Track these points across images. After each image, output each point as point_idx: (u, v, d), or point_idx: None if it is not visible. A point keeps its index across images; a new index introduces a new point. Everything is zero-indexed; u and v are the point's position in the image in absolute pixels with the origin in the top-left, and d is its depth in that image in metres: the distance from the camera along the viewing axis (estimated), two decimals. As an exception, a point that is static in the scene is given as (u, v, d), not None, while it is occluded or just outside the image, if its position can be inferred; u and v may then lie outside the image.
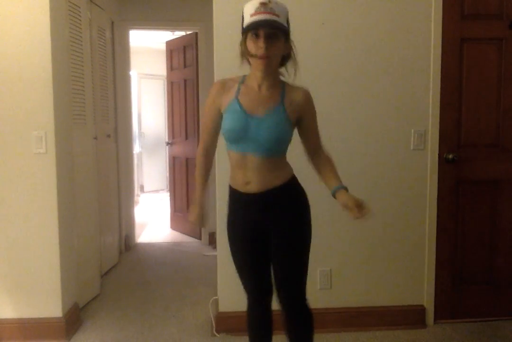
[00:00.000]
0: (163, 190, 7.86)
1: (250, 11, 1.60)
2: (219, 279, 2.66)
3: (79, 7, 3.01)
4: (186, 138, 4.98)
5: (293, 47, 1.70)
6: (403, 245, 2.72)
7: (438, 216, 2.71)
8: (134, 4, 4.41)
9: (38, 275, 2.57)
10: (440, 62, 2.63)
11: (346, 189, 1.68)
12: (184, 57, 4.94)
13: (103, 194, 3.63)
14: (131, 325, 2.80)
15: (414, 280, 2.74)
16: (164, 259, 4.25)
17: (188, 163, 4.99)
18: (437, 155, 2.68)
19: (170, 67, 5.25)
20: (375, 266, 2.72)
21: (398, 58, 2.62)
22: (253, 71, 1.69)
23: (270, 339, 1.93)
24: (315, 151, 1.80)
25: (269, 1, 1.58)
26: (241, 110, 1.67)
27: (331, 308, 2.71)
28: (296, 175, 1.83)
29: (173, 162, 5.32)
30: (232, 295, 2.55)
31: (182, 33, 5.25)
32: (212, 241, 4.50)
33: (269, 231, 1.76)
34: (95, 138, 3.36)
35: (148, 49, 7.11)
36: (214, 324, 2.67)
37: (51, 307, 2.59)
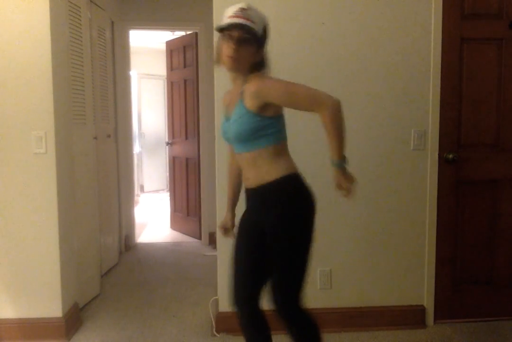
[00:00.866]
0: (163, 190, 7.86)
1: (228, 14, 1.66)
2: (219, 279, 2.66)
3: (79, 7, 3.01)
4: (186, 138, 4.98)
5: (265, 57, 1.73)
6: (403, 245, 2.72)
7: (438, 216, 2.71)
8: (134, 4, 4.41)
9: (38, 275, 2.57)
10: (440, 62, 2.63)
11: (338, 165, 1.70)
12: (184, 57, 4.94)
13: (103, 194, 3.63)
14: (131, 325, 2.80)
15: (414, 280, 2.74)
16: (164, 259, 4.25)
17: (188, 163, 5.00)
18: (437, 155, 2.68)
19: (170, 67, 5.25)
20: (375, 266, 2.72)
21: (398, 58, 2.62)
22: None
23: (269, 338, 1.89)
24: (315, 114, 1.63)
25: (249, 8, 1.65)
26: (223, 115, 1.80)
27: (331, 308, 2.71)
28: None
29: (173, 162, 5.32)
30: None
31: (182, 33, 5.25)
32: (212, 241, 4.50)
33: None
34: (95, 138, 3.36)
35: (148, 49, 7.11)
36: (214, 324, 2.67)
37: (51, 307, 2.59)
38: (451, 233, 2.75)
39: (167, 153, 5.74)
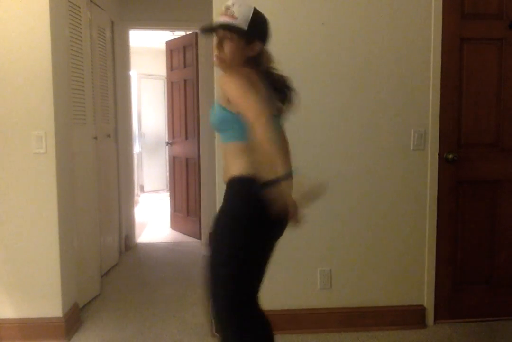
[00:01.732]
0: (163, 190, 7.86)
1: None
2: (219, 279, 2.66)
3: (79, 7, 3.01)
4: (186, 138, 4.98)
5: (258, 49, 1.67)
6: (403, 245, 2.72)
7: (438, 216, 2.71)
8: (134, 4, 4.41)
9: (38, 275, 2.57)
10: (440, 62, 2.63)
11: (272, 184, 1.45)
12: (184, 57, 4.94)
13: (103, 194, 3.63)
14: (131, 325, 2.80)
15: (414, 280, 2.74)
16: (164, 259, 4.25)
17: (188, 163, 5.00)
18: (437, 155, 2.68)
19: (170, 67, 5.25)
20: (375, 266, 2.72)
21: (398, 58, 2.62)
22: None
23: None
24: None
25: (233, 4, 1.65)
26: None
27: (331, 308, 2.71)
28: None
29: (173, 162, 5.32)
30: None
31: (182, 33, 5.25)
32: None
33: None
34: (95, 138, 3.36)
35: (148, 49, 7.11)
36: (214, 324, 2.67)
37: (51, 307, 2.59)
38: (451, 233, 2.75)
39: (167, 153, 5.73)
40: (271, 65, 1.72)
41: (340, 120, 2.64)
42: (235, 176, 1.62)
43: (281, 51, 2.54)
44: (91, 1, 3.34)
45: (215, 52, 1.68)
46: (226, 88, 1.57)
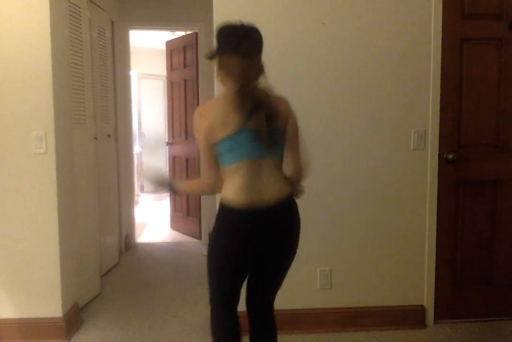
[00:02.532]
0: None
1: None
2: (219, 279, 2.66)
3: (79, 7, 3.01)
4: (186, 138, 4.98)
5: (226, 60, 1.67)
6: (403, 245, 2.72)
7: (438, 216, 2.71)
8: (134, 4, 4.41)
9: (38, 275, 2.57)
10: (440, 62, 2.63)
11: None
12: (184, 57, 4.94)
13: (103, 194, 3.63)
14: (131, 325, 2.80)
15: (414, 280, 2.74)
16: (164, 259, 4.25)
17: (188, 163, 5.00)
18: (437, 155, 2.68)
19: (170, 67, 5.25)
20: (375, 266, 2.72)
21: (398, 58, 2.62)
22: None
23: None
24: None
25: None
26: None
27: (331, 308, 2.71)
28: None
29: (173, 162, 5.32)
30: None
31: (182, 33, 5.25)
32: (212, 241, 4.49)
33: None
34: (95, 138, 3.36)
35: (148, 49, 7.10)
36: (214, 324, 2.66)
37: (51, 307, 2.59)
38: (451, 233, 2.75)
39: (167, 153, 5.73)
40: (251, 77, 1.62)
41: (340, 120, 2.64)
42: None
43: (281, 51, 2.55)
44: (91, 1, 3.34)
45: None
46: None
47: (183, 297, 3.26)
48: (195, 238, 4.88)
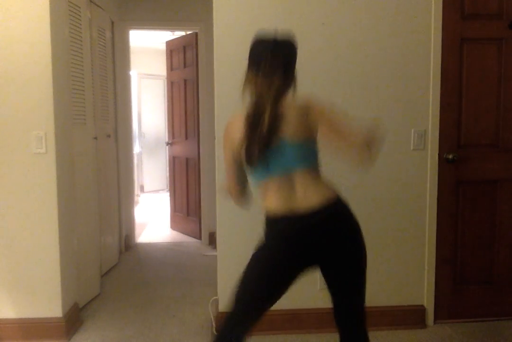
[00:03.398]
0: (163, 190, 7.86)
1: None
2: (219, 279, 2.66)
3: (79, 7, 3.01)
4: (186, 138, 4.98)
5: (246, 77, 1.66)
6: (403, 245, 2.72)
7: (438, 216, 2.71)
8: (134, 4, 4.41)
9: (38, 275, 2.57)
10: (440, 62, 2.63)
11: None
12: (184, 57, 4.94)
13: (103, 194, 3.63)
14: (131, 325, 2.80)
15: (414, 280, 2.74)
16: (164, 259, 4.25)
17: (188, 163, 5.00)
18: (437, 155, 2.68)
19: (170, 67, 5.25)
20: (374, 266, 2.71)
21: (398, 58, 2.62)
22: None
23: None
24: None
25: None
26: None
27: (331, 308, 2.71)
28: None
29: (173, 162, 5.32)
30: (232, 295, 2.54)
31: (182, 33, 5.25)
32: (212, 241, 4.50)
33: None
34: (95, 138, 3.36)
35: (148, 49, 7.11)
36: (214, 324, 2.67)
37: (51, 307, 2.59)
38: (451, 233, 2.75)
39: (167, 153, 5.73)
40: (265, 94, 1.59)
41: (340, 120, 2.63)
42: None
43: (281, 51, 2.55)
44: (91, 1, 3.34)
45: None
46: None
47: (183, 297, 3.26)
48: (195, 238, 4.88)
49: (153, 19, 4.49)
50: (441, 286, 2.76)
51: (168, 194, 6.18)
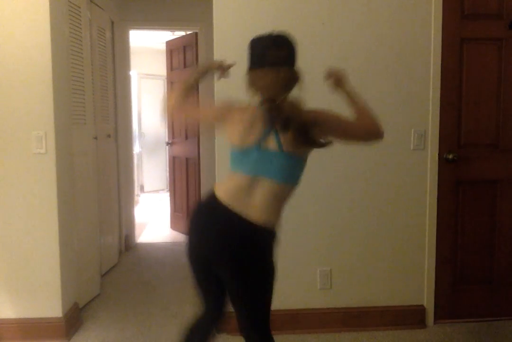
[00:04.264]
0: (163, 190, 7.86)
1: None
2: (219, 279, 2.66)
3: (79, 7, 3.01)
4: (186, 138, 4.98)
5: (247, 76, 1.65)
6: (403, 245, 2.72)
7: (438, 216, 2.71)
8: (134, 4, 4.41)
9: (38, 275, 2.57)
10: (440, 62, 2.63)
11: None
12: (184, 57, 4.94)
13: (103, 194, 3.63)
14: (131, 325, 2.80)
15: (414, 280, 2.74)
16: (164, 259, 4.25)
17: (188, 163, 5.00)
18: (437, 155, 2.68)
19: (170, 67, 5.25)
20: (375, 266, 2.72)
21: (398, 58, 2.63)
22: None
23: None
24: None
25: None
26: None
27: (331, 308, 2.71)
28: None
29: (173, 162, 5.32)
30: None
31: (182, 33, 5.25)
32: (212, 241, 4.49)
33: None
34: (95, 138, 3.36)
35: (148, 49, 7.11)
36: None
37: (51, 307, 2.59)
38: (451, 233, 2.75)
39: (167, 153, 5.73)
40: (270, 92, 1.56)
41: (340, 120, 2.63)
42: None
43: (281, 51, 2.55)
44: (91, 1, 3.34)
45: None
46: None
47: (183, 297, 3.26)
48: (195, 238, 4.87)
49: (153, 19, 4.49)
50: (441, 286, 2.76)
51: (168, 194, 6.18)
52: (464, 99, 2.70)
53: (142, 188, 7.78)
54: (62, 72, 2.66)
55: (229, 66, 1.82)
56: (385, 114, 2.64)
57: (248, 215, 1.53)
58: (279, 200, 1.58)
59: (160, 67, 6.33)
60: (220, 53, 2.54)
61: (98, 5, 3.53)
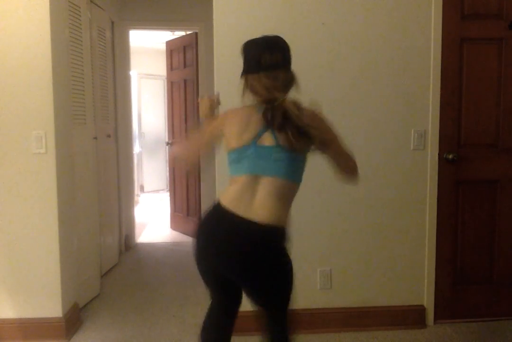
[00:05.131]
0: (163, 190, 7.86)
1: None
2: (219, 279, 2.66)
3: (79, 7, 3.01)
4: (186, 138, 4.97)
5: (244, 81, 1.66)
6: (403, 245, 2.72)
7: (438, 216, 2.71)
8: (134, 4, 4.41)
9: (38, 275, 2.57)
10: (440, 62, 2.63)
11: None
12: (184, 57, 4.94)
13: (103, 194, 3.63)
14: (131, 325, 2.80)
15: (414, 280, 2.74)
16: (164, 259, 4.25)
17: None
18: (437, 155, 2.68)
19: (170, 67, 5.25)
20: (375, 266, 2.72)
21: (398, 58, 2.62)
22: None
23: None
24: None
25: None
26: None
27: (331, 308, 2.71)
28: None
29: (173, 162, 5.32)
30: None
31: (182, 33, 5.25)
32: (212, 241, 4.49)
33: None
34: (95, 138, 3.36)
35: (148, 49, 7.11)
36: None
37: (51, 307, 2.59)
38: (451, 233, 2.75)
39: (167, 153, 5.73)
40: (270, 95, 1.55)
41: (340, 120, 2.62)
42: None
43: (281, 51, 2.55)
44: (91, 1, 3.34)
45: None
46: None
47: (183, 297, 3.26)
48: (195, 238, 4.87)
49: (153, 19, 4.49)
50: (441, 286, 2.76)
51: (168, 194, 6.18)
52: (464, 99, 2.70)
53: (142, 188, 7.78)
54: (62, 72, 2.66)
55: (218, 97, 1.98)
56: (385, 114, 2.66)
57: (255, 218, 1.53)
58: (283, 198, 1.58)
59: (160, 67, 6.33)
60: (220, 53, 2.54)
61: (98, 5, 3.53)
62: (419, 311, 2.75)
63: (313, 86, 2.61)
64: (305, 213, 2.64)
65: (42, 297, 2.58)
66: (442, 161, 2.69)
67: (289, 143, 1.53)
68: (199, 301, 3.15)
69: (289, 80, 1.61)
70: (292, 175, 1.59)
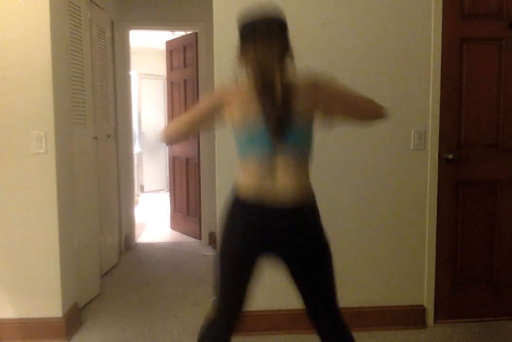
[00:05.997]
0: (163, 190, 7.86)
1: None
2: (219, 279, 2.66)
3: (79, 7, 3.01)
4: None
5: (238, 51, 1.66)
6: (403, 245, 2.72)
7: (438, 216, 2.71)
8: (134, 4, 4.41)
9: (38, 275, 2.57)
10: (440, 62, 2.63)
11: None
12: (184, 57, 4.94)
13: (103, 194, 3.63)
14: (131, 325, 2.80)
15: (414, 280, 2.74)
16: (164, 259, 4.25)
17: (188, 163, 5.00)
18: (437, 155, 2.68)
19: (170, 67, 5.25)
20: (375, 266, 2.72)
21: (398, 58, 2.62)
22: None
23: None
24: None
25: None
26: None
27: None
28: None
29: (173, 162, 5.33)
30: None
31: (182, 33, 5.25)
32: (212, 241, 4.50)
33: None
34: (95, 138, 3.36)
35: (148, 49, 7.11)
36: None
37: (51, 307, 2.59)
38: (451, 233, 2.75)
39: (167, 153, 5.73)
40: (264, 63, 1.56)
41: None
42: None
43: (281, 51, 2.55)
44: (91, 1, 3.34)
45: None
46: None
47: (183, 297, 3.26)
48: (195, 238, 4.88)
49: (153, 19, 4.49)
50: (441, 286, 2.76)
51: (168, 194, 6.18)
52: (464, 99, 2.70)
53: (142, 188, 7.78)
54: (62, 72, 2.66)
55: None
56: (385, 114, 2.65)
57: (283, 203, 1.55)
58: (301, 173, 1.59)
59: (160, 67, 6.33)
60: (220, 53, 2.54)
61: (98, 5, 3.53)
62: (419, 311, 2.75)
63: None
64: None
65: (42, 297, 2.58)
66: (442, 162, 2.69)
67: (272, 131, 1.52)
68: (198, 301, 3.15)
69: (284, 50, 1.62)
70: (304, 147, 1.60)
